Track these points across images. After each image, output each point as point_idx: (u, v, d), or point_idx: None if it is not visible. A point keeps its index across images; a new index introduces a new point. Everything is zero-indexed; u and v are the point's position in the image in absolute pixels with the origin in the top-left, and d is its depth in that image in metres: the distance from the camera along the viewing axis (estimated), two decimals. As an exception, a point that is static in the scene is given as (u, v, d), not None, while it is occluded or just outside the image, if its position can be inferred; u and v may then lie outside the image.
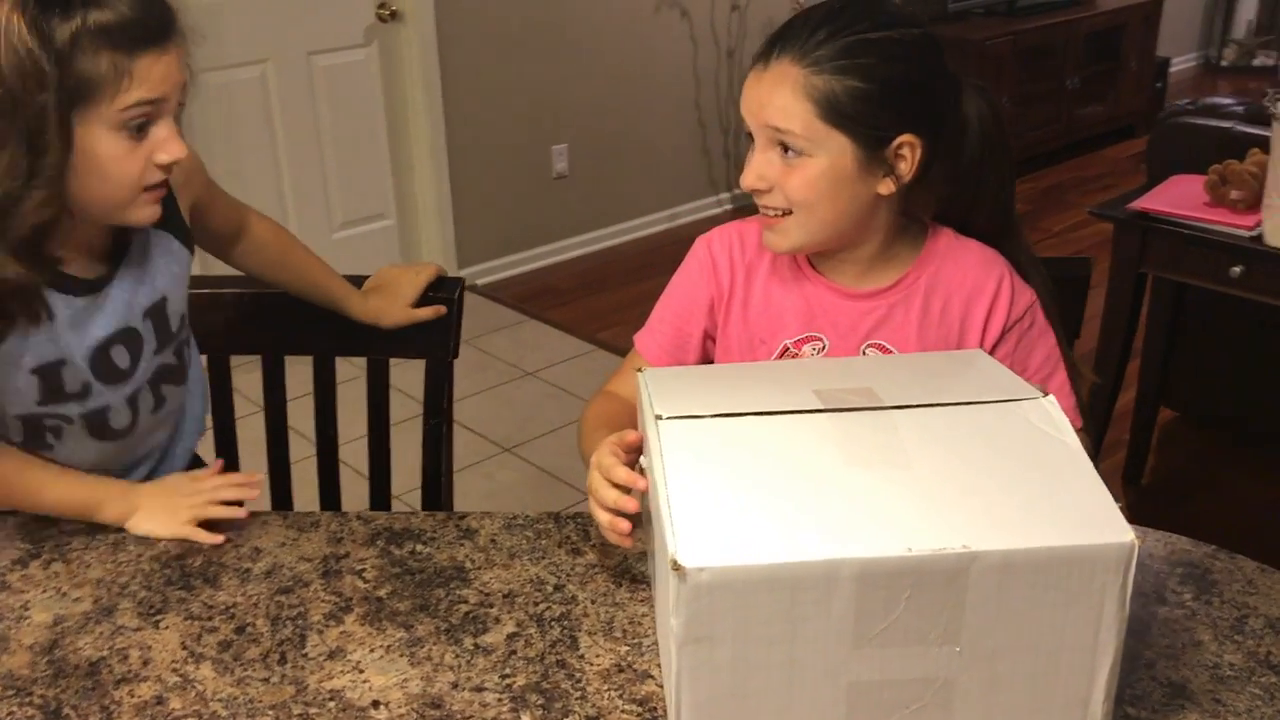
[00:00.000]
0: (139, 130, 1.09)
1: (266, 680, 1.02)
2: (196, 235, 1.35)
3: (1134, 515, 0.88)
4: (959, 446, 0.94)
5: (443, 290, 1.55)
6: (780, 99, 1.14)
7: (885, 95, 1.13)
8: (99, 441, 1.28)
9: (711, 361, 1.34)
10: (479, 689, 1.00)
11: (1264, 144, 2.34)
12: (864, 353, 1.24)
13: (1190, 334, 2.81)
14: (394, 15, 3.73)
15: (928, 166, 1.18)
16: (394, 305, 1.52)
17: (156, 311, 1.26)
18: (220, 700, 1.00)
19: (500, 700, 0.99)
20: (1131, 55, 5.51)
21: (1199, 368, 2.86)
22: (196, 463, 1.47)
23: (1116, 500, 0.88)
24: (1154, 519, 0.88)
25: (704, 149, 4.72)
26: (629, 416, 1.25)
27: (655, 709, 0.97)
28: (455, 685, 1.01)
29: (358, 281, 1.55)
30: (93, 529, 1.25)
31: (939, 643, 0.87)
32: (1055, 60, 5.15)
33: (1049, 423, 0.96)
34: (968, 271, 1.25)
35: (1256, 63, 6.86)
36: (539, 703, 0.98)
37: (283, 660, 1.05)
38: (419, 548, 1.21)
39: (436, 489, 1.58)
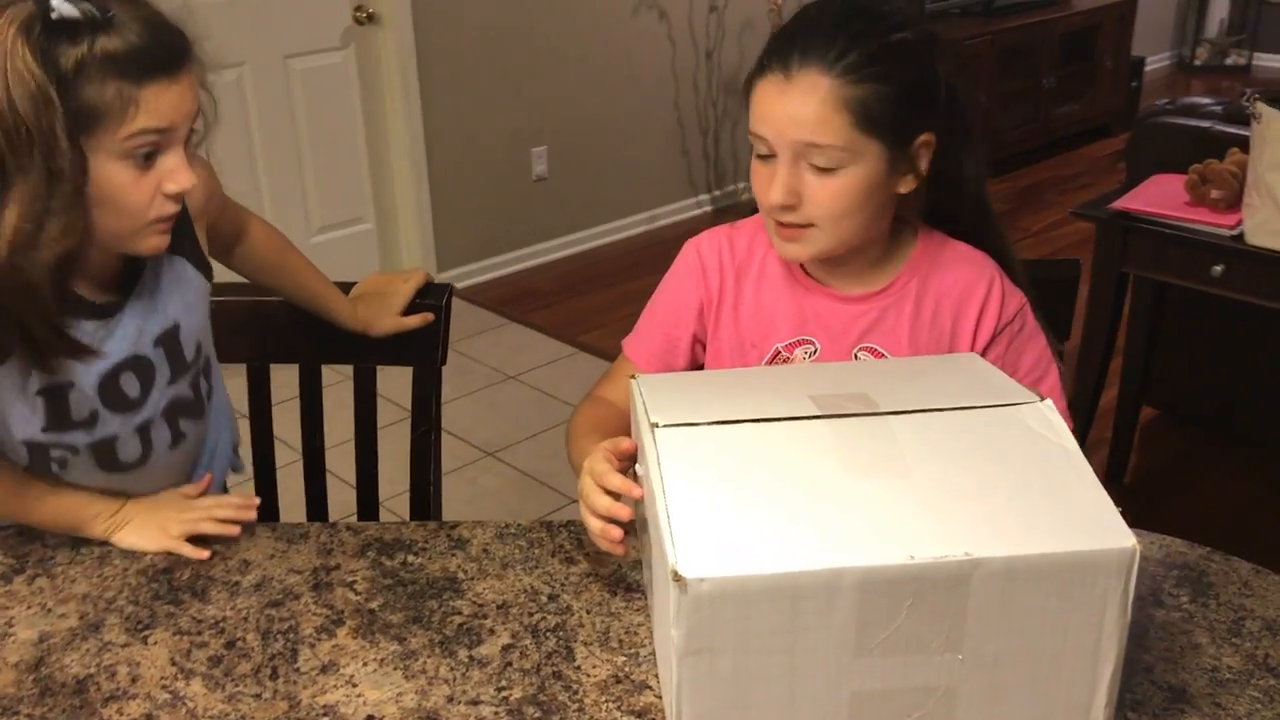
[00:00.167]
0: (146, 159, 1.06)
1: (258, 696, 1.01)
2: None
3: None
4: (958, 452, 0.94)
5: (430, 297, 1.53)
6: (814, 112, 1.10)
7: (908, 97, 1.13)
8: (107, 474, 1.23)
9: (701, 366, 1.34)
10: (475, 702, 0.99)
11: (1242, 143, 2.35)
12: (856, 356, 1.24)
13: (1172, 333, 2.82)
14: (371, 18, 3.71)
15: (936, 161, 1.18)
16: (383, 313, 1.51)
17: (169, 339, 1.23)
18: (211, 717, 0.98)
19: (497, 714, 0.97)
20: (1107, 55, 5.54)
21: (1181, 366, 2.88)
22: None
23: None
24: (1136, 517, 0.88)
25: (683, 150, 4.72)
26: (619, 422, 1.24)
27: (654, 720, 0.96)
28: (451, 699, 0.99)
29: (344, 288, 1.53)
30: (77, 543, 1.23)
31: (941, 651, 0.87)
32: (1032, 60, 5.18)
33: (1047, 427, 0.96)
34: (958, 274, 1.25)
35: (1229, 62, 6.92)
36: (536, 715, 0.97)
37: (274, 675, 1.03)
38: (410, 558, 1.19)
39: (425, 498, 1.56)
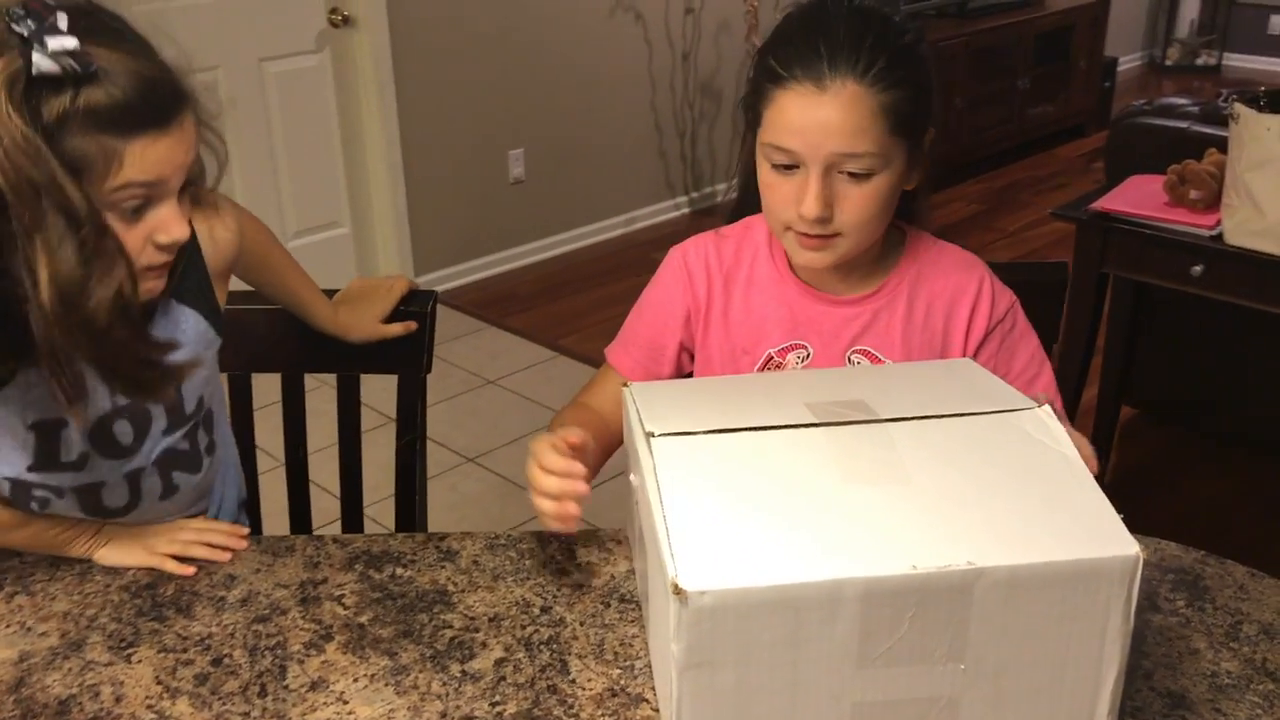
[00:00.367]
0: (135, 211, 1.03)
1: (246, 715, 0.98)
2: None
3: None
4: (957, 460, 0.93)
5: (414, 304, 1.52)
6: (855, 122, 1.10)
7: (923, 95, 1.14)
8: (89, 516, 1.21)
9: (688, 375, 1.32)
10: (469, 718, 0.97)
11: (1219, 144, 2.37)
12: (849, 359, 1.23)
13: (1151, 332, 2.84)
14: (346, 20, 3.68)
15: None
16: (363, 319, 1.48)
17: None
18: (199, 737, 0.96)
19: (492, 729, 0.96)
20: (1080, 55, 5.58)
21: (1160, 366, 2.89)
22: None
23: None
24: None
25: (660, 152, 4.71)
26: (601, 427, 1.23)
27: (652, 734, 0.95)
28: (444, 715, 0.98)
29: (327, 295, 1.51)
30: (57, 559, 1.20)
31: (944, 661, 0.86)
32: (1006, 61, 5.20)
33: (1045, 433, 0.95)
34: (949, 275, 1.25)
35: (1200, 62, 6.98)
36: (532, 731, 0.96)
37: (263, 693, 1.01)
38: (399, 571, 1.17)
39: (410, 507, 1.54)
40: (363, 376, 1.54)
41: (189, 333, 1.20)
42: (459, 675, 1.02)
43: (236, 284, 1.38)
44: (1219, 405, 2.86)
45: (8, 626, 1.10)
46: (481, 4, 3.94)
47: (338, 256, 3.89)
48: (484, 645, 1.06)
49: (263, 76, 3.56)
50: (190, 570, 1.18)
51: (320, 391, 1.60)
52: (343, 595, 1.14)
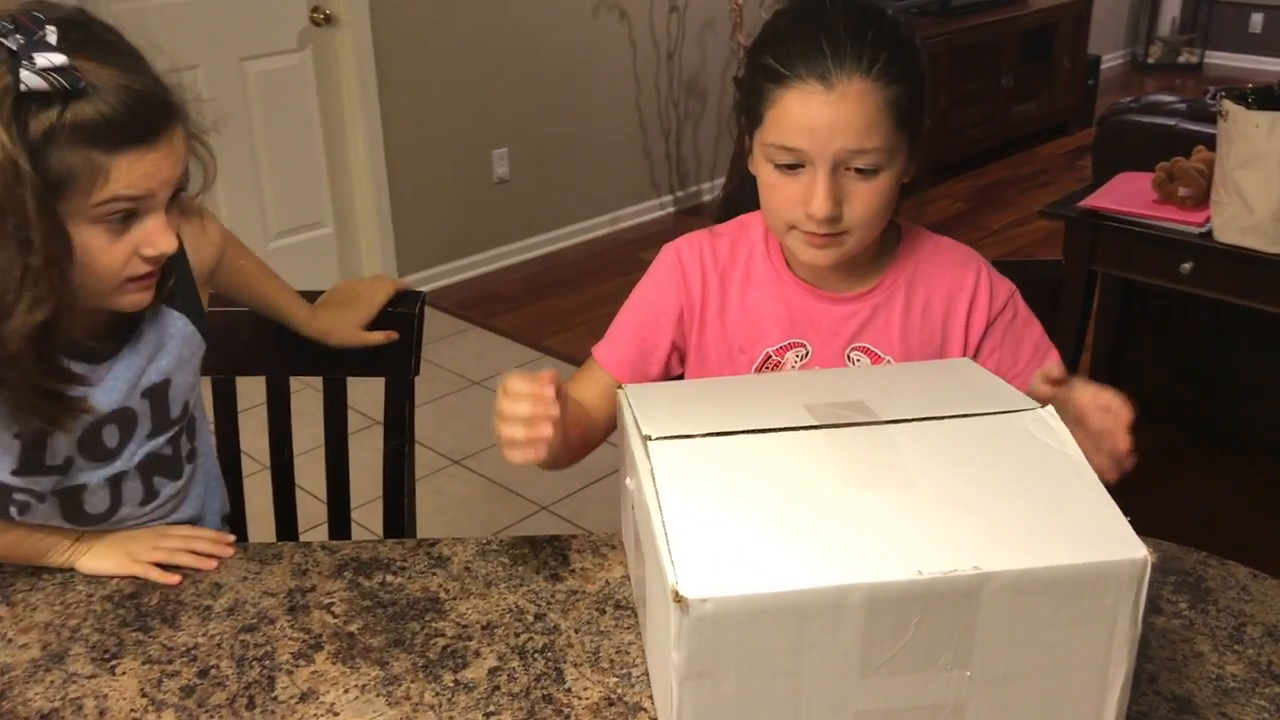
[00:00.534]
0: (123, 222, 1.03)
1: (235, 727, 0.96)
2: None
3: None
4: (960, 462, 0.91)
5: (403, 304, 1.49)
6: (866, 118, 1.09)
7: (922, 88, 1.13)
8: (69, 524, 1.18)
9: (678, 377, 1.30)
10: (463, 729, 0.95)
11: (1206, 141, 2.36)
12: (849, 356, 1.22)
13: (1140, 330, 2.83)
14: (328, 19, 3.64)
15: None
16: (344, 324, 1.45)
17: (156, 393, 1.18)
18: (186, 751, 0.94)
19: (486, 740, 0.94)
20: (1064, 54, 5.58)
21: (1149, 364, 2.89)
22: None
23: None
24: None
25: (645, 151, 4.69)
26: (582, 414, 1.21)
27: (651, 744, 0.93)
28: (437, 726, 0.96)
29: (311, 297, 1.48)
30: (38, 569, 1.17)
31: (949, 668, 0.84)
32: (990, 59, 5.20)
33: (1049, 434, 0.94)
34: (945, 268, 1.25)
35: (1181, 60, 7.00)
36: (528, 741, 0.93)
37: (251, 705, 0.99)
38: (389, 578, 1.15)
39: (399, 512, 1.52)
40: (349, 378, 1.51)
41: (176, 336, 1.20)
42: (452, 685, 1.00)
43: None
44: (1207, 404, 2.86)
45: (-13, 638, 1.08)
46: (465, 2, 3.91)
47: (320, 257, 3.86)
48: (477, 654, 1.04)
49: (244, 76, 3.52)
50: (175, 579, 1.15)
51: (304, 394, 1.58)
52: (332, 603, 1.11)
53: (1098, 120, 2.92)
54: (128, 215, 1.03)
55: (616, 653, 1.03)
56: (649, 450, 0.92)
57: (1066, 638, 0.84)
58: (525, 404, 1.01)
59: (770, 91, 1.11)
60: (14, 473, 1.12)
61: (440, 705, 0.98)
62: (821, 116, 1.09)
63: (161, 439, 1.21)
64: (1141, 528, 1.14)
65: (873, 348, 1.22)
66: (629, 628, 1.06)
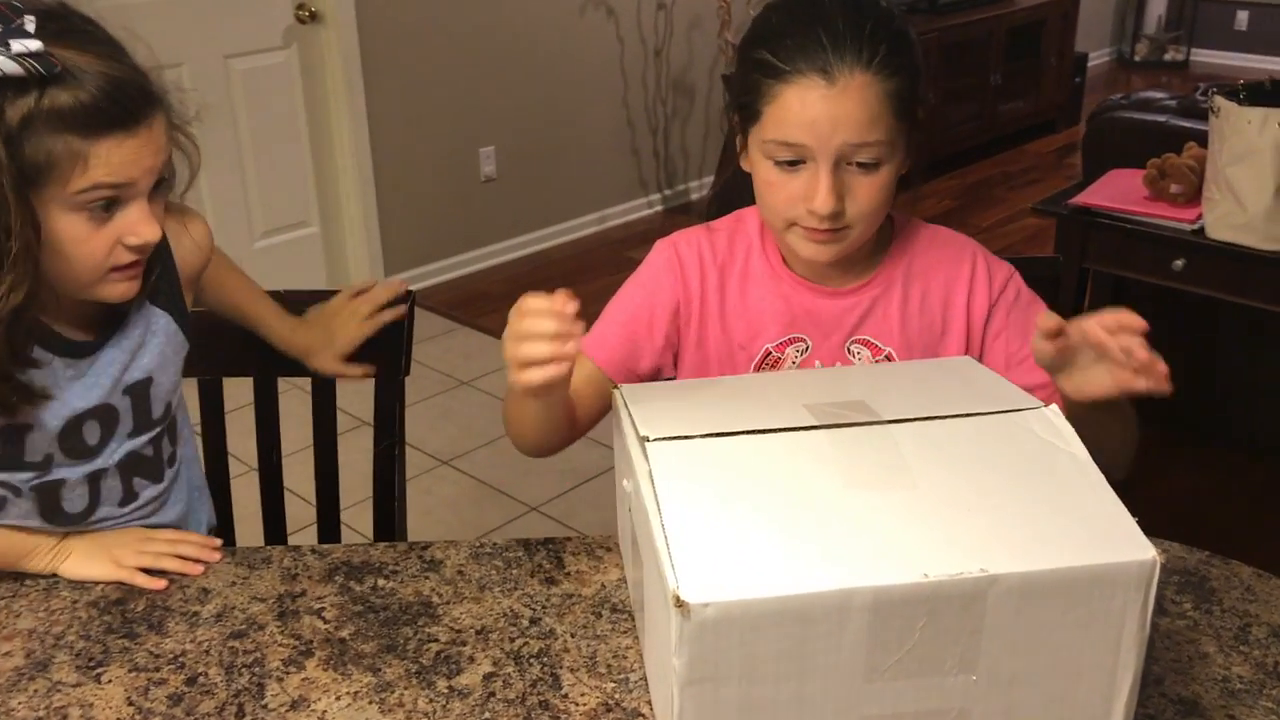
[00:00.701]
0: (105, 210, 1.03)
1: (224, 736, 0.94)
2: None
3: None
4: (964, 462, 0.90)
5: (392, 304, 1.46)
6: (865, 111, 1.08)
7: (918, 80, 1.13)
8: (47, 524, 1.16)
9: (668, 375, 1.28)
10: (458, 736, 0.93)
11: (1197, 137, 2.36)
12: (849, 350, 1.21)
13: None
14: (314, 16, 3.61)
15: None
16: (324, 351, 1.42)
17: (138, 391, 1.16)
18: (174, 762, 0.92)
19: (482, 748, 0.92)
20: (1051, 51, 5.59)
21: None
22: None
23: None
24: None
25: (633, 149, 4.67)
26: (572, 406, 1.18)
27: (650, 751, 0.91)
28: (432, 733, 0.94)
29: (301, 296, 1.45)
30: (20, 575, 1.15)
31: (955, 672, 0.82)
32: (978, 57, 5.20)
33: (1054, 433, 0.92)
34: (941, 257, 1.24)
35: (1168, 57, 7.02)
36: (524, 749, 0.92)
37: (240, 713, 0.96)
38: (381, 582, 1.13)
39: (390, 515, 1.49)
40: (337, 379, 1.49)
41: (160, 334, 1.18)
42: (446, 691, 0.98)
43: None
44: (1200, 402, 2.86)
45: (-31, 646, 1.05)
46: (451, -1, 3.89)
47: (306, 256, 3.82)
48: (471, 659, 1.02)
49: (229, 74, 3.49)
50: (161, 584, 1.13)
51: (291, 394, 1.55)
52: (323, 609, 1.09)
53: (1088, 117, 2.91)
54: (110, 203, 1.02)
55: (614, 657, 1.01)
56: (647, 452, 0.90)
57: (1074, 640, 0.82)
58: (549, 320, 0.95)
59: (768, 87, 1.10)
60: None
61: (434, 712, 0.96)
62: (823, 111, 1.08)
63: (143, 439, 1.19)
64: (1141, 527, 1.13)
65: (873, 340, 1.21)
66: (626, 631, 1.04)
